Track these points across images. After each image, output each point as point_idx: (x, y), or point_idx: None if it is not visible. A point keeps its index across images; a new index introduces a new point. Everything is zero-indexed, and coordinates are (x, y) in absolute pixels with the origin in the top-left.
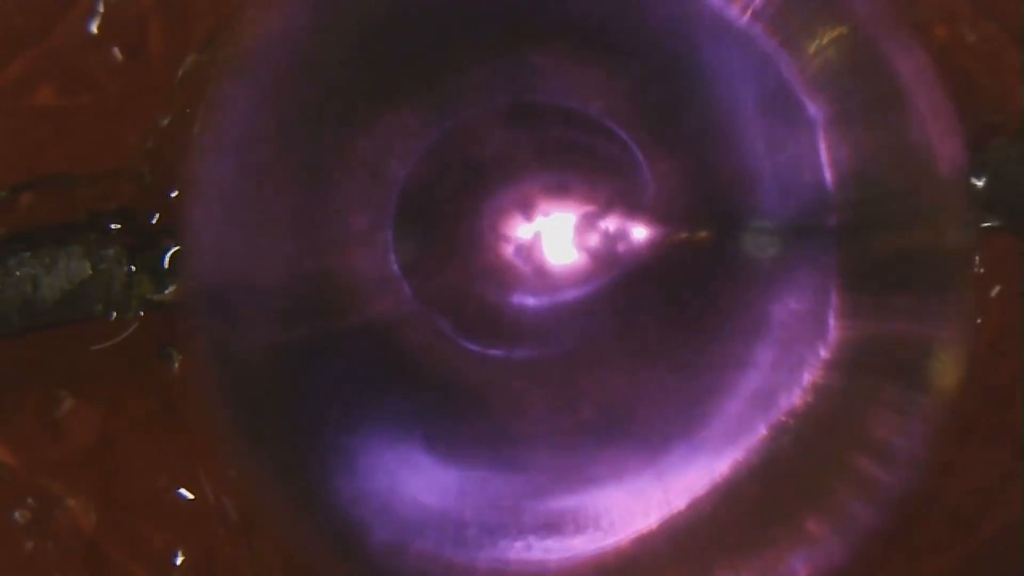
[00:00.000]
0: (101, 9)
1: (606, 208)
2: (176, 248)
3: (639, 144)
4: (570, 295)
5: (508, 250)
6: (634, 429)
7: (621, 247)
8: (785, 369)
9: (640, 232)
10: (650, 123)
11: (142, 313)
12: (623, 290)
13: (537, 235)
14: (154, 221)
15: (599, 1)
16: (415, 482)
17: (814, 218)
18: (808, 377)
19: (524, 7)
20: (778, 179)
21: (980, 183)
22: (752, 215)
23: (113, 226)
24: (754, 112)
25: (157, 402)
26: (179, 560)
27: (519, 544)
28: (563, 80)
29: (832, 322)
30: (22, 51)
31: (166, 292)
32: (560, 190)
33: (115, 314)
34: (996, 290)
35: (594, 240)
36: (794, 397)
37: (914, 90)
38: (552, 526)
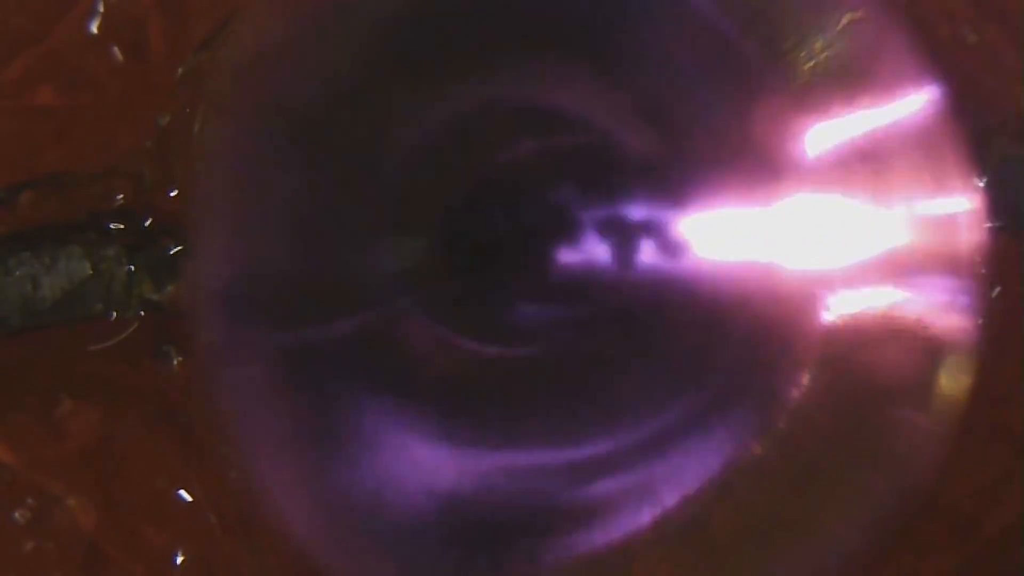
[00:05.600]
0: (101, 9)
1: (608, 209)
2: (176, 248)
3: (644, 146)
4: (571, 295)
5: (509, 250)
6: (631, 427)
7: (621, 246)
8: (779, 369)
9: (642, 234)
10: (654, 126)
11: (142, 313)
12: (624, 289)
13: (539, 235)
14: (153, 221)
15: (595, 11)
16: (415, 482)
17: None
18: (803, 377)
19: (528, 14)
20: (769, 179)
21: (980, 183)
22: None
23: (113, 226)
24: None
25: (157, 402)
26: (179, 560)
27: (517, 543)
28: (564, 83)
29: (830, 321)
30: (22, 51)
31: (166, 292)
32: (561, 191)
33: (115, 314)
34: (996, 291)
35: (594, 241)
36: (788, 398)
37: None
38: (549, 524)
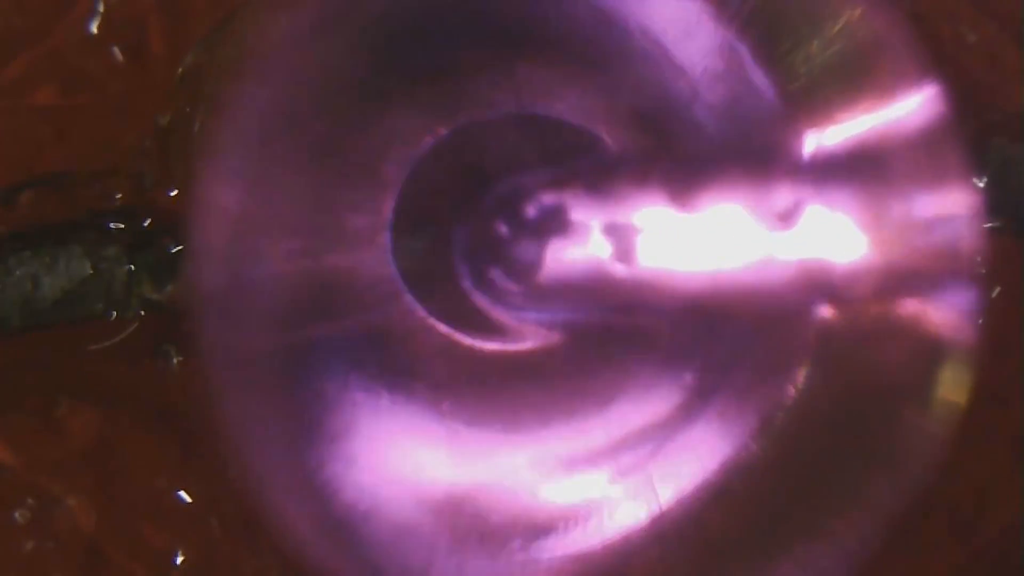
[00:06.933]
0: (101, 9)
1: (607, 210)
2: (176, 248)
3: (641, 148)
4: (569, 295)
5: (505, 251)
6: (629, 426)
7: (619, 247)
8: (777, 368)
9: (640, 234)
10: (652, 128)
11: (142, 312)
12: (622, 289)
13: (535, 238)
14: (153, 221)
15: (595, 14)
16: (415, 481)
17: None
18: (800, 376)
19: (525, 19)
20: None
21: (980, 183)
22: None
23: (113, 225)
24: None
25: (157, 402)
26: (179, 560)
27: (511, 543)
28: (562, 90)
29: (829, 320)
30: (22, 51)
31: (166, 292)
32: (561, 192)
33: (115, 313)
34: (996, 291)
35: (592, 241)
36: (786, 397)
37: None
38: (546, 522)
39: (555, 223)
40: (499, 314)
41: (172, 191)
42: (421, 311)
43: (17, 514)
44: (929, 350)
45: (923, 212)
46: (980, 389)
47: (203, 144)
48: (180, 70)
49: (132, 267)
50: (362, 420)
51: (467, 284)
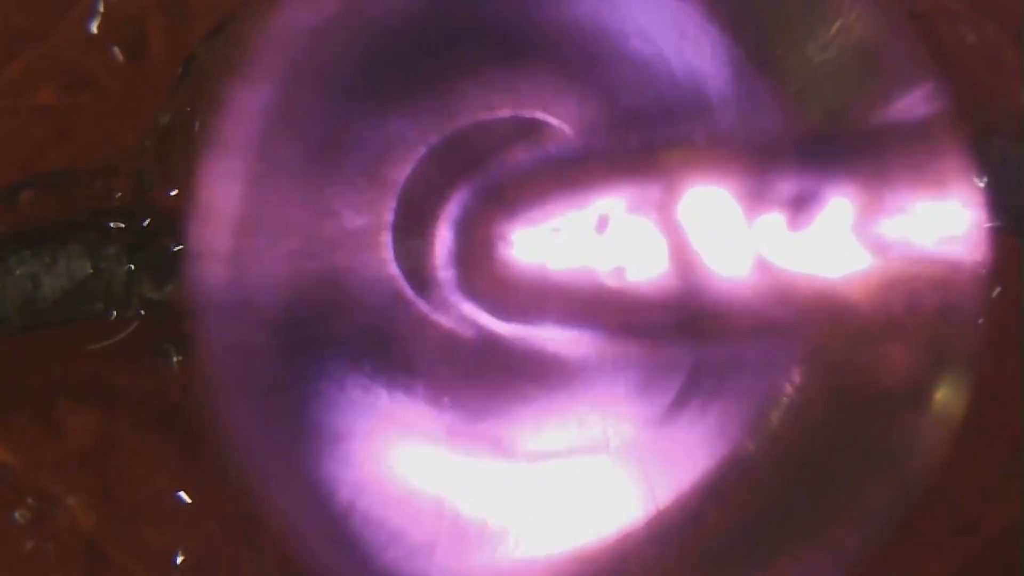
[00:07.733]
0: (101, 9)
1: (604, 211)
2: (176, 247)
3: (636, 157)
4: (567, 295)
5: (503, 252)
6: (626, 425)
7: (617, 247)
8: (775, 368)
9: (638, 235)
10: (646, 136)
11: (142, 312)
12: (620, 288)
13: (532, 240)
14: (153, 220)
15: (593, 18)
16: (413, 480)
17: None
18: (798, 376)
19: (525, 23)
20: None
21: (980, 183)
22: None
23: (113, 225)
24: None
25: (157, 402)
26: (179, 560)
27: (510, 541)
28: (562, 93)
29: (829, 320)
30: (22, 51)
31: (166, 291)
32: (554, 196)
33: (115, 313)
34: (997, 291)
35: (590, 241)
36: (784, 397)
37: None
38: (542, 524)
39: (552, 225)
40: (499, 314)
41: (172, 191)
42: (420, 311)
43: (17, 514)
44: (929, 351)
45: (923, 212)
46: (980, 389)
47: (203, 144)
48: (180, 70)
49: (132, 267)
50: (361, 419)
51: (467, 283)
